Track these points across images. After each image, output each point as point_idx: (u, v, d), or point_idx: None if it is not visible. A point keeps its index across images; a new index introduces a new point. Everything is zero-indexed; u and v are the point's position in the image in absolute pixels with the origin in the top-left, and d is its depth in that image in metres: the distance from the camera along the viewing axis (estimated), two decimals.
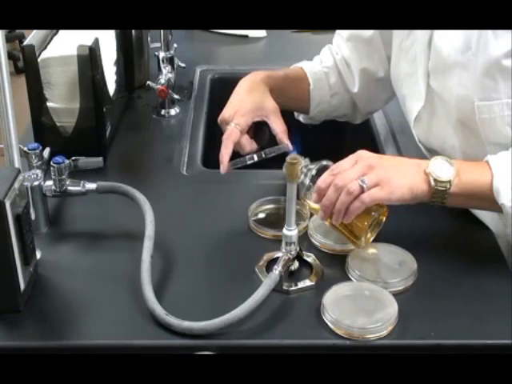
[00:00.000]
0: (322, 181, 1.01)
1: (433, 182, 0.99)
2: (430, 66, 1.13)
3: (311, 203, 1.05)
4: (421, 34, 1.14)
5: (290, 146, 1.18)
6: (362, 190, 0.97)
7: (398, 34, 1.21)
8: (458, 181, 0.99)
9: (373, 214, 1.01)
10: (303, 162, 1.07)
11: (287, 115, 1.69)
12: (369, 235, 1.03)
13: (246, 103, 1.23)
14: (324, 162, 1.07)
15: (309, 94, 1.34)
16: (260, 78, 1.28)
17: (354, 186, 0.97)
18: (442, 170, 1.00)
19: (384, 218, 1.02)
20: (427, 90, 1.14)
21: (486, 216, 1.11)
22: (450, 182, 0.99)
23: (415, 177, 1.00)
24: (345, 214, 0.99)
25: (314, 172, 1.05)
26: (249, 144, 1.22)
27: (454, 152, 1.12)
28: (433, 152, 1.16)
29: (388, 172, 0.99)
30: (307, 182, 1.06)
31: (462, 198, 1.01)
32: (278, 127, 1.22)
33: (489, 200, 0.99)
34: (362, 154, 1.02)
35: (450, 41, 1.08)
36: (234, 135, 1.19)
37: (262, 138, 1.26)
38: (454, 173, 0.99)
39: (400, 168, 1.01)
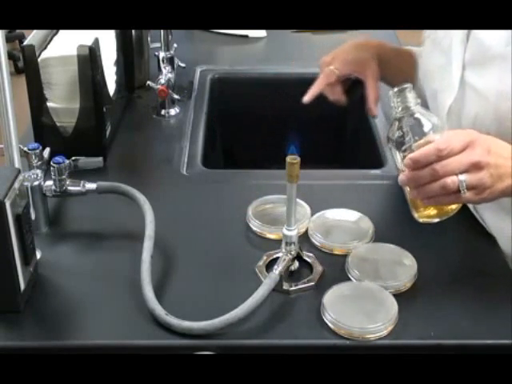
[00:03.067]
0: (424, 155, 0.91)
1: None
2: (467, 58, 1.07)
3: (399, 159, 0.96)
4: None
5: (375, 113, 1.24)
6: (458, 191, 0.91)
7: None
8: None
9: (455, 208, 0.96)
10: (414, 104, 0.96)
11: (287, 114, 1.70)
12: (435, 218, 0.99)
13: (351, 54, 1.27)
14: (429, 126, 0.95)
15: (416, 69, 1.27)
16: (372, 45, 1.30)
17: (452, 185, 0.90)
18: None
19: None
20: (460, 84, 1.07)
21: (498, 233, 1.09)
22: None
23: None
24: (429, 198, 0.93)
25: (408, 129, 0.95)
26: (338, 94, 1.27)
27: None
28: None
29: (490, 177, 0.91)
30: (397, 133, 0.96)
31: None
32: (372, 92, 1.25)
33: None
34: (475, 141, 0.92)
35: (492, 32, 1.02)
36: (330, 77, 1.25)
37: (352, 96, 1.30)
38: None
39: (503, 168, 0.92)
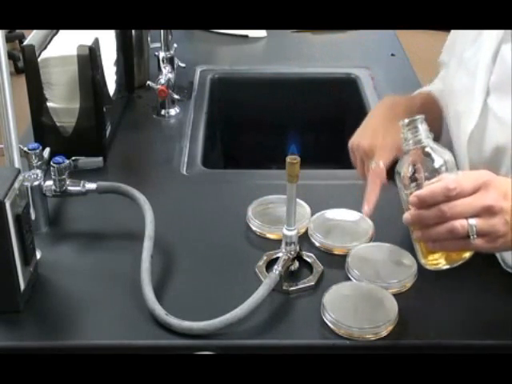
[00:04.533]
0: (430, 194, 0.83)
1: None
2: (492, 82, 0.98)
3: (404, 196, 0.89)
4: (487, 43, 0.99)
5: None
6: (467, 236, 0.83)
7: (460, 43, 1.07)
8: None
9: (467, 256, 0.88)
10: (426, 137, 0.88)
11: (287, 114, 1.70)
12: (445, 266, 0.90)
13: (389, 138, 1.09)
14: (440, 163, 0.87)
15: (441, 121, 1.15)
16: (402, 110, 1.12)
17: (460, 229, 0.82)
18: None
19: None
20: (482, 109, 0.99)
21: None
22: None
23: None
24: (435, 242, 0.85)
25: (419, 165, 0.87)
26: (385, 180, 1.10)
27: None
28: None
29: (504, 224, 0.83)
30: (406, 169, 0.88)
31: None
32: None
33: None
34: (489, 182, 0.84)
35: None
36: (382, 175, 1.07)
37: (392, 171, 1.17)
38: None
39: None
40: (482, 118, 0.99)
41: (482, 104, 0.99)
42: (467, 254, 0.88)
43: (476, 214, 0.83)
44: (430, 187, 0.84)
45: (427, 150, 0.88)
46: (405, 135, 0.89)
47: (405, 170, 0.89)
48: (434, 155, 0.88)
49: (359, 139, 1.13)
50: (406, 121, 0.89)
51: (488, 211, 0.83)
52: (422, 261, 0.91)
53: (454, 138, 1.08)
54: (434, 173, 0.87)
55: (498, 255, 1.06)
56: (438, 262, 0.89)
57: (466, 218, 0.83)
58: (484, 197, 0.83)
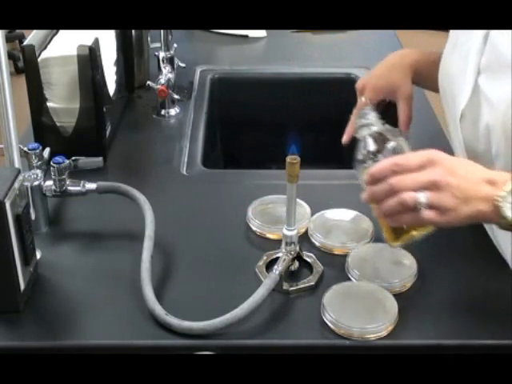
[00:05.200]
0: (379, 170, 0.89)
1: (502, 219, 0.87)
2: (483, 63, 1.03)
3: (362, 180, 0.94)
4: None
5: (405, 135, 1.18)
6: (418, 208, 0.87)
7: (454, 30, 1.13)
8: None
9: (430, 228, 0.92)
10: (377, 123, 0.95)
11: (287, 114, 1.70)
12: (406, 241, 0.95)
13: (382, 79, 1.27)
14: (391, 144, 0.93)
15: None
16: (408, 62, 1.27)
17: (409, 201, 0.86)
18: None
19: (427, 232, 0.94)
20: (473, 89, 1.04)
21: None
22: None
23: (482, 204, 0.87)
24: (389, 216, 0.90)
25: (373, 148, 0.94)
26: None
27: (503, 162, 1.02)
28: (478, 159, 1.01)
29: (452, 198, 0.86)
30: (364, 151, 0.94)
31: None
32: (404, 114, 1.25)
33: None
34: (436, 160, 0.88)
35: (509, 37, 0.98)
36: None
37: (387, 117, 1.27)
38: None
39: (468, 191, 0.87)
40: (473, 97, 1.04)
41: (473, 84, 1.04)
42: (429, 229, 0.92)
43: (423, 188, 0.86)
44: (379, 164, 0.90)
45: (380, 133, 0.95)
46: (358, 123, 0.96)
47: (361, 154, 0.95)
48: (386, 139, 0.94)
49: (361, 80, 1.28)
50: (358, 118, 0.98)
51: (434, 185, 0.86)
52: (391, 243, 0.95)
53: (450, 120, 1.13)
54: (387, 154, 0.93)
55: (499, 249, 1.07)
56: (405, 239, 0.94)
57: (415, 191, 0.86)
58: (430, 172, 0.87)
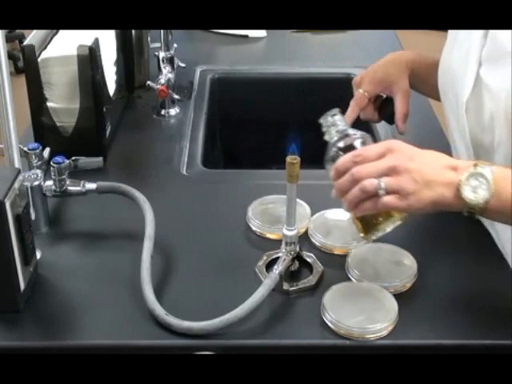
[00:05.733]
0: (342, 163, 0.92)
1: (463, 202, 0.88)
2: (484, 55, 1.05)
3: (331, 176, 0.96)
4: None
5: (402, 130, 1.26)
6: (378, 193, 0.89)
7: None
8: (495, 199, 0.87)
9: (395, 215, 0.93)
10: (342, 123, 0.99)
11: (287, 114, 1.70)
12: (380, 232, 0.96)
13: (379, 72, 1.28)
14: (357, 136, 0.97)
15: None
16: (405, 59, 1.30)
17: (369, 186, 0.89)
18: (475, 190, 0.87)
19: (399, 222, 0.95)
20: (475, 80, 1.06)
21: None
22: (484, 202, 0.88)
23: (444, 189, 0.88)
24: (355, 207, 0.92)
25: (341, 145, 0.96)
26: (369, 113, 1.29)
27: (503, 150, 1.03)
28: (483, 150, 1.07)
29: (412, 182, 0.88)
30: (333, 150, 0.97)
31: (501, 216, 0.91)
32: (400, 108, 1.26)
33: None
34: (395, 147, 0.91)
35: (509, 30, 1.00)
36: (361, 102, 1.27)
37: (384, 112, 1.31)
38: (489, 194, 0.87)
39: (430, 175, 0.88)
40: (475, 88, 1.06)
41: (475, 75, 1.06)
42: (396, 216, 0.93)
43: (383, 174, 0.89)
44: (342, 158, 0.93)
45: (347, 133, 0.97)
46: (325, 124, 0.99)
47: (330, 155, 0.97)
48: (353, 137, 0.97)
49: (358, 74, 1.30)
50: (324, 116, 0.99)
51: (393, 170, 0.89)
52: (364, 236, 0.98)
53: (452, 116, 1.14)
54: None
55: (499, 246, 1.07)
56: (377, 231, 0.96)
57: (376, 178, 0.89)
58: (389, 158, 0.90)
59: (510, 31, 1.00)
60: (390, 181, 0.89)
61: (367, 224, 0.96)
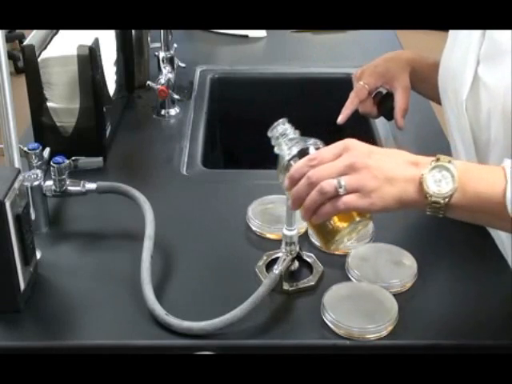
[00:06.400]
0: (296, 169, 0.88)
1: (427, 196, 0.84)
2: (482, 53, 1.05)
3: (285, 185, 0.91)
4: None
5: (401, 125, 1.26)
6: (338, 193, 0.84)
7: None
8: (460, 194, 0.84)
9: (356, 218, 0.87)
10: (291, 132, 0.94)
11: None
12: (342, 241, 0.90)
13: (380, 67, 1.30)
14: (310, 142, 0.92)
15: None
16: (405, 57, 1.31)
17: (328, 187, 0.84)
18: (439, 183, 0.84)
19: (363, 228, 0.90)
20: (474, 79, 1.05)
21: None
22: (448, 196, 0.84)
23: (407, 185, 0.84)
24: (314, 213, 0.86)
25: (294, 152, 0.91)
26: (368, 107, 1.30)
27: (500, 148, 1.02)
28: (480, 147, 1.06)
29: (373, 178, 0.84)
30: (285, 159, 0.92)
31: (465, 213, 0.87)
32: (400, 104, 1.27)
33: (499, 215, 0.84)
34: (350, 146, 0.87)
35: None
36: (361, 94, 1.29)
37: (383, 108, 1.32)
38: (453, 186, 0.84)
39: (390, 171, 0.85)
40: (474, 86, 1.06)
41: (473, 73, 1.06)
42: (355, 218, 0.87)
43: (341, 174, 0.84)
44: (295, 164, 0.88)
45: (297, 140, 0.93)
46: (273, 135, 0.96)
47: (282, 164, 0.92)
48: (305, 144, 0.92)
49: (359, 68, 1.31)
50: (270, 130, 0.96)
51: (352, 168, 0.84)
52: (326, 246, 0.91)
53: (452, 115, 1.14)
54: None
55: (501, 249, 1.07)
56: (340, 240, 0.89)
57: (334, 178, 0.84)
58: (345, 157, 0.86)
59: (506, 30, 1.00)
60: (350, 179, 0.84)
61: (324, 233, 0.89)
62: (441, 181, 0.84)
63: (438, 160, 0.85)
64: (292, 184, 0.88)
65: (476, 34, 1.07)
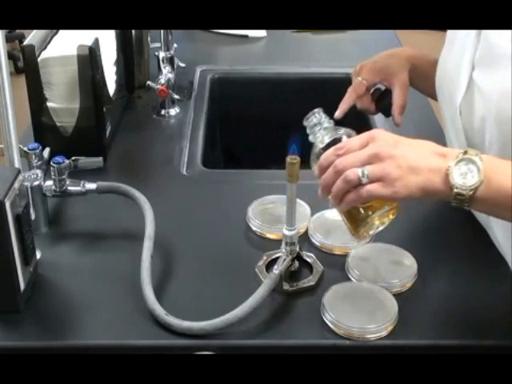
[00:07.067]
0: (325, 158, 0.91)
1: (452, 188, 0.85)
2: (477, 57, 1.04)
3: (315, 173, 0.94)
4: None
5: (398, 122, 1.25)
6: (361, 182, 0.87)
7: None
8: (485, 187, 0.85)
9: (385, 205, 0.90)
10: (325, 121, 0.97)
11: (287, 114, 1.70)
12: (371, 227, 0.93)
13: (379, 63, 1.29)
14: (342, 132, 0.95)
15: None
16: (406, 54, 1.30)
17: (352, 175, 0.87)
18: (465, 176, 0.85)
19: (392, 216, 0.92)
20: (469, 84, 1.05)
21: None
22: (474, 189, 0.84)
23: (432, 175, 0.85)
24: (340, 200, 0.89)
25: (326, 140, 0.94)
26: (366, 103, 1.30)
27: (494, 152, 1.00)
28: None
29: (397, 168, 0.85)
30: (318, 148, 0.95)
31: (489, 207, 0.88)
32: (398, 100, 1.26)
33: None
34: (377, 136, 0.89)
35: (501, 31, 0.99)
36: (359, 89, 1.28)
37: (381, 105, 1.32)
38: (479, 179, 0.84)
39: (415, 161, 0.86)
40: (468, 90, 1.05)
41: (468, 78, 1.05)
42: (385, 206, 0.90)
43: (366, 163, 0.87)
44: (324, 153, 0.91)
45: (332, 130, 0.96)
46: (309, 124, 0.98)
47: (316, 153, 0.95)
48: (338, 134, 0.95)
49: (358, 64, 1.31)
50: (306, 119, 0.98)
51: (376, 157, 0.86)
52: (354, 234, 0.94)
53: (448, 117, 1.13)
54: None
55: (499, 249, 1.07)
56: (369, 227, 0.92)
57: (359, 167, 0.87)
58: (371, 147, 0.88)
59: (501, 33, 0.99)
60: (373, 168, 0.86)
61: (354, 220, 0.93)
62: (467, 173, 0.85)
63: (465, 153, 0.86)
64: (321, 172, 0.91)
65: (471, 37, 1.06)
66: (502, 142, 1.00)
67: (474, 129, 1.05)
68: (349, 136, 0.94)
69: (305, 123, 0.98)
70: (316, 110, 0.98)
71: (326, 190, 0.91)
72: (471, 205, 0.86)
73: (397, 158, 0.86)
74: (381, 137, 0.89)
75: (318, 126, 0.97)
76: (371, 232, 0.95)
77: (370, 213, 0.91)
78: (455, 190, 0.85)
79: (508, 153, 0.96)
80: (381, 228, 0.94)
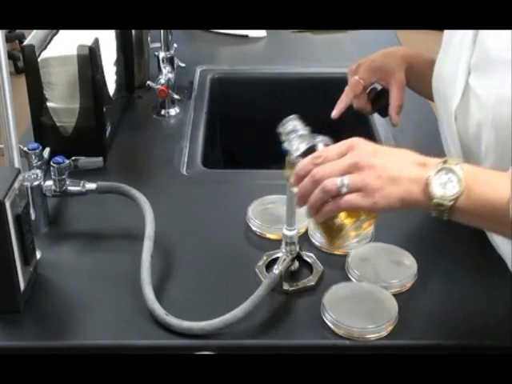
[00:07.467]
0: (302, 166, 0.88)
1: (431, 198, 0.83)
2: (473, 62, 1.03)
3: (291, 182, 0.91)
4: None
5: (395, 122, 1.25)
6: (340, 192, 0.84)
7: (448, 32, 1.14)
8: (465, 198, 0.82)
9: (362, 216, 0.87)
10: (301, 128, 0.94)
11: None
12: (347, 238, 0.90)
13: (376, 62, 1.28)
14: (318, 139, 0.92)
15: None
16: (402, 53, 1.30)
17: (330, 185, 0.84)
18: (445, 186, 0.83)
19: (369, 227, 0.90)
20: (464, 89, 1.03)
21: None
22: (454, 199, 0.82)
23: (412, 185, 0.83)
24: (318, 211, 0.87)
25: (302, 148, 0.91)
26: (363, 102, 1.29)
27: (491, 158, 1.00)
28: (473, 157, 1.03)
29: (376, 178, 0.83)
30: (293, 156, 0.92)
31: (470, 217, 0.85)
32: (395, 100, 1.26)
33: (503, 221, 0.82)
34: (356, 145, 0.86)
35: (497, 36, 0.98)
36: (356, 88, 1.28)
37: (378, 104, 1.32)
38: (460, 189, 0.82)
39: (395, 171, 0.84)
40: (464, 96, 1.04)
41: (464, 84, 1.04)
42: (362, 217, 0.87)
43: (345, 172, 0.84)
44: (301, 161, 0.89)
45: (307, 136, 0.93)
46: (283, 131, 0.95)
47: (290, 160, 0.92)
48: (314, 141, 0.92)
49: (352, 65, 1.30)
50: (281, 126, 0.96)
51: (355, 167, 0.84)
52: (330, 243, 0.92)
53: (444, 121, 1.12)
54: None
55: (497, 251, 1.07)
56: (344, 237, 0.89)
57: (337, 177, 0.84)
58: (350, 156, 0.85)
59: (497, 38, 0.98)
60: (353, 177, 0.84)
61: (330, 231, 0.90)
62: (447, 183, 0.83)
63: (445, 162, 0.84)
64: (297, 181, 0.88)
65: (467, 41, 1.05)
66: (499, 148, 0.99)
67: (469, 134, 1.04)
68: (325, 144, 0.91)
69: (280, 130, 0.96)
70: (292, 116, 0.96)
71: (303, 199, 0.87)
72: (451, 215, 0.84)
73: (376, 167, 0.84)
74: (360, 146, 0.87)
75: (294, 133, 0.94)
76: (345, 244, 0.94)
77: (346, 224, 0.88)
78: (435, 201, 0.82)
79: (505, 158, 0.95)
80: (356, 239, 0.92)
